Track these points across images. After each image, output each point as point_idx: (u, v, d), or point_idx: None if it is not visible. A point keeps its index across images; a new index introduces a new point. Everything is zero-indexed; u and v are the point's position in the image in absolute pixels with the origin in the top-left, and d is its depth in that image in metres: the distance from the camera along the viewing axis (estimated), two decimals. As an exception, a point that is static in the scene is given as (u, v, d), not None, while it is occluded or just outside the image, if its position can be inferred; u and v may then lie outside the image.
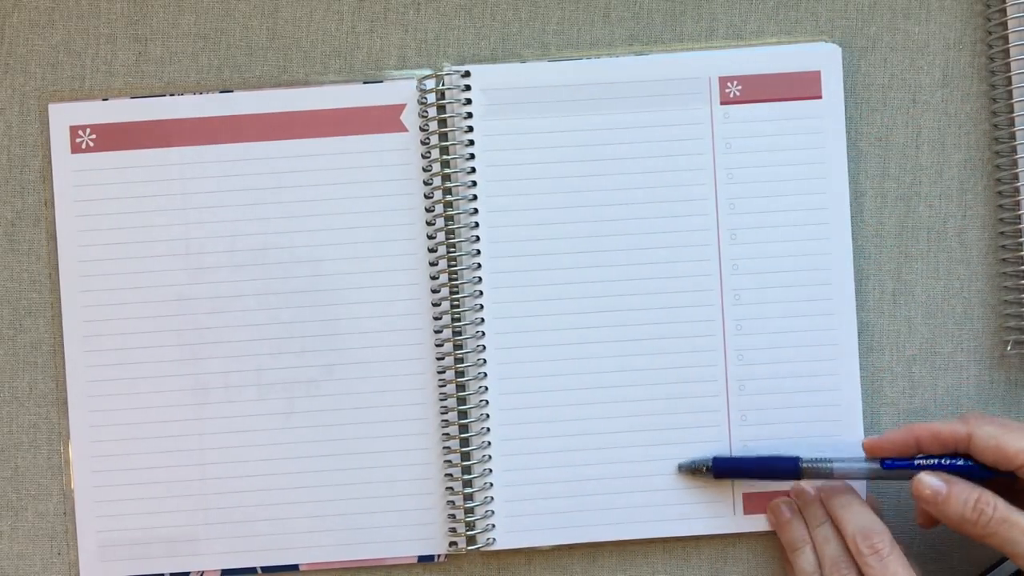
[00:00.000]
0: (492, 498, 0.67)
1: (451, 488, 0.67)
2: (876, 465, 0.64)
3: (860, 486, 0.67)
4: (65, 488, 0.68)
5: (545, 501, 0.67)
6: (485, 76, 0.68)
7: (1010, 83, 0.67)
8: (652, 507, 0.67)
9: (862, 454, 0.65)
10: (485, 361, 0.67)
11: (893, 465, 0.64)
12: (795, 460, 0.65)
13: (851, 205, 0.68)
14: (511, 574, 0.68)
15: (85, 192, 0.68)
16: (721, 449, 0.67)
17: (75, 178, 0.68)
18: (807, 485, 0.66)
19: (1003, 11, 0.67)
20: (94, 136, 0.68)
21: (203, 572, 0.68)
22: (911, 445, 0.63)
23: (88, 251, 0.68)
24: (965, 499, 0.60)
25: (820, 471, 0.65)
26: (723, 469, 0.67)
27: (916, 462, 0.63)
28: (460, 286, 0.67)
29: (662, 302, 0.67)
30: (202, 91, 0.68)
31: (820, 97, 0.68)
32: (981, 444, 0.61)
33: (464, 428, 0.67)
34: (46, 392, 0.68)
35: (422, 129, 0.68)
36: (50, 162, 0.68)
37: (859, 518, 0.63)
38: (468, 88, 0.67)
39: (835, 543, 0.63)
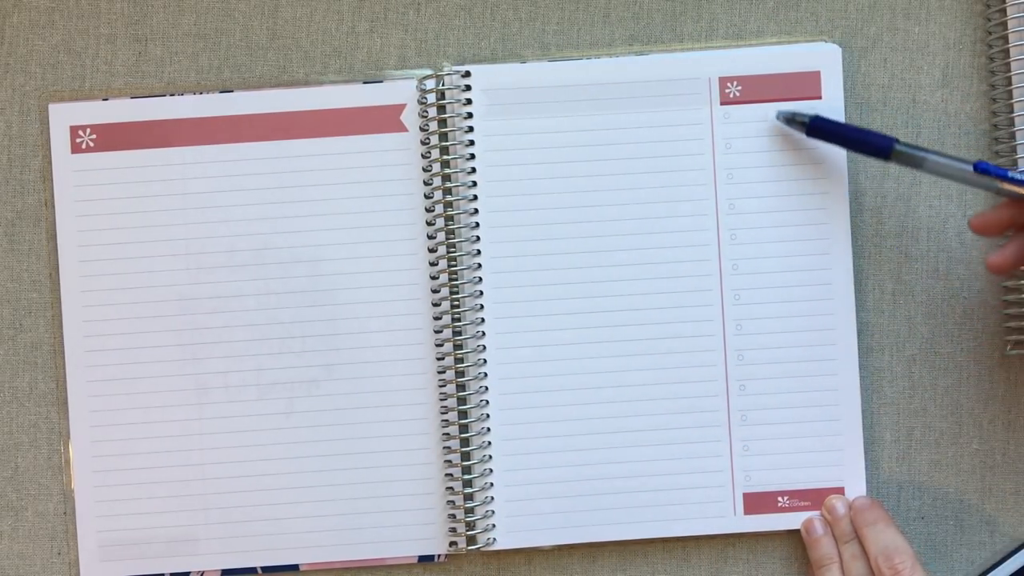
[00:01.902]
0: (492, 498, 0.67)
1: (451, 488, 0.67)
2: (968, 166, 0.61)
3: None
4: (65, 488, 0.68)
5: (545, 501, 0.67)
6: (485, 76, 0.68)
7: (1010, 83, 0.67)
8: (652, 507, 0.67)
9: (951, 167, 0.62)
10: (485, 361, 0.67)
11: (985, 168, 0.60)
12: (890, 140, 0.63)
13: (851, 205, 0.68)
14: (511, 574, 0.68)
15: (85, 192, 0.68)
16: (722, 451, 0.67)
17: (75, 178, 0.68)
18: (838, 502, 0.66)
19: (1003, 11, 0.67)
20: (94, 136, 0.68)
21: (203, 572, 0.68)
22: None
23: (88, 251, 0.68)
24: None
25: (912, 157, 0.63)
26: (819, 128, 0.65)
27: (1011, 174, 0.60)
28: (460, 286, 0.67)
29: (662, 302, 0.67)
30: (202, 91, 0.68)
31: (820, 97, 0.68)
32: None
33: (464, 428, 0.67)
34: (46, 392, 0.68)
35: (422, 129, 0.68)
36: (50, 162, 0.68)
37: (884, 537, 0.63)
38: (468, 88, 0.67)
39: (862, 561, 0.64)
